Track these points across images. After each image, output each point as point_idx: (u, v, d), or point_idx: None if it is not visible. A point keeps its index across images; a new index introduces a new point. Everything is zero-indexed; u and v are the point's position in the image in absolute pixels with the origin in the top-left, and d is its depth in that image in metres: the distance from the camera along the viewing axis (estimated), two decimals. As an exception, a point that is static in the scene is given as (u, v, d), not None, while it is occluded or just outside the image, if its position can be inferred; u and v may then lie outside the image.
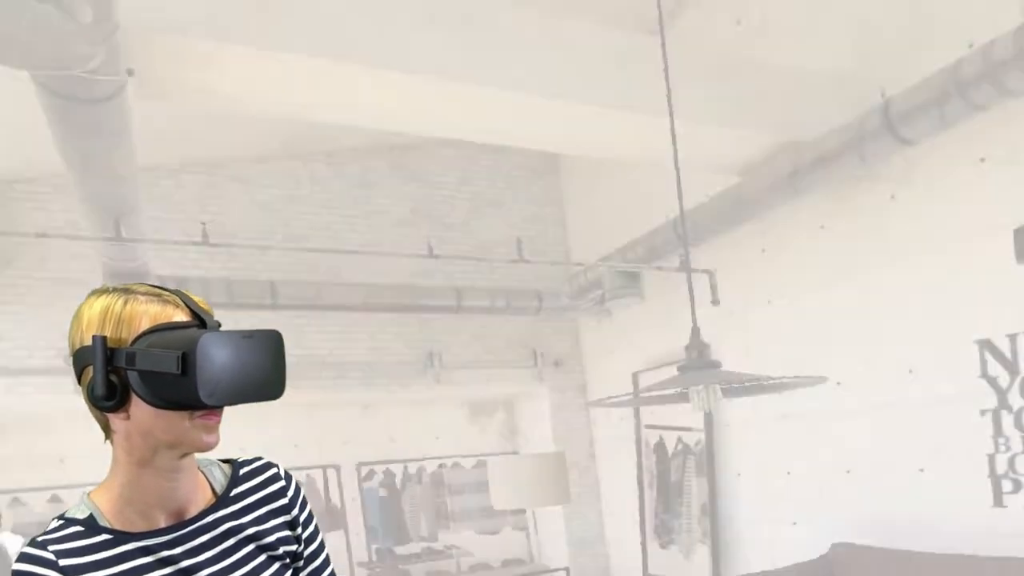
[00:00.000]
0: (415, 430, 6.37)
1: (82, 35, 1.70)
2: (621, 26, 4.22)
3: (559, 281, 5.82)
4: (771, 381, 2.19)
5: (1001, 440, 2.97)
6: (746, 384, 2.29)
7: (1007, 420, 2.94)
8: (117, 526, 0.88)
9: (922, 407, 3.28)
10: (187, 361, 0.81)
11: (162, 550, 0.88)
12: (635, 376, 5.38)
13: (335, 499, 5.84)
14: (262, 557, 0.95)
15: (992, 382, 2.97)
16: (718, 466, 4.74)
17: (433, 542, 6.20)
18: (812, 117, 3.12)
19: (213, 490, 0.96)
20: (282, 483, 1.00)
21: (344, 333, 5.28)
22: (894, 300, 3.36)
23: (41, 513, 4.98)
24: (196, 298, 0.91)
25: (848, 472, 3.77)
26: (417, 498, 6.15)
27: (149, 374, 0.83)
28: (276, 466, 1.02)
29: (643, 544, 5.57)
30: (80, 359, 0.87)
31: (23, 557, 0.84)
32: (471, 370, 5.63)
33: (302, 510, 1.01)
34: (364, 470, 6.01)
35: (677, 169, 2.27)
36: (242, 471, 0.99)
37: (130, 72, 2.33)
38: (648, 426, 5.37)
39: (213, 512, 0.93)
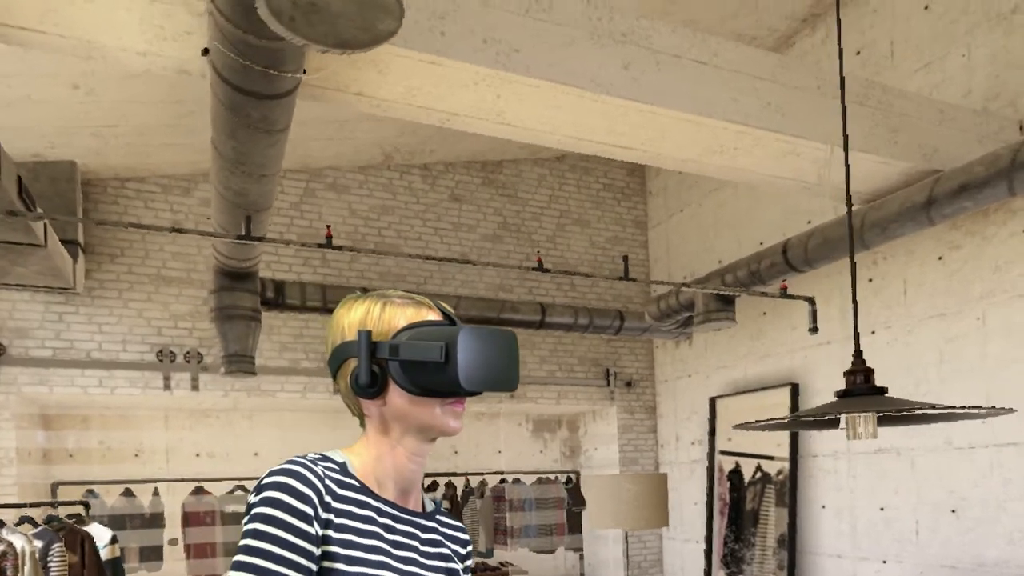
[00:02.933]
0: (479, 444, 6.27)
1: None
2: (758, 44, 4.18)
3: (639, 303, 5.72)
4: (945, 411, 2.05)
5: None
6: (917, 412, 2.15)
7: None
8: (363, 482, 0.96)
9: (1050, 448, 3.11)
10: (449, 351, 0.89)
11: (388, 518, 0.96)
12: (713, 401, 5.24)
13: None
14: None
15: None
16: (801, 497, 4.57)
17: (488, 558, 6.06)
18: (951, 148, 3.01)
19: (423, 505, 1.05)
20: (467, 538, 1.11)
21: (425, 343, 5.21)
22: (1018, 336, 3.21)
23: (112, 507, 4.95)
24: (442, 303, 1.01)
25: (953, 512, 3.59)
26: (477, 512, 6.02)
27: (411, 364, 0.91)
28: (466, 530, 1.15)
29: (707, 571, 5.38)
30: (341, 354, 0.96)
31: (296, 463, 0.89)
32: (544, 386, 5.53)
33: (467, 569, 1.10)
34: (427, 481, 5.91)
35: (848, 196, 2.17)
36: (442, 509, 1.10)
37: (304, 71, 2.31)
38: (724, 452, 5.21)
39: (424, 519, 1.02)
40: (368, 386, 0.92)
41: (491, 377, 0.92)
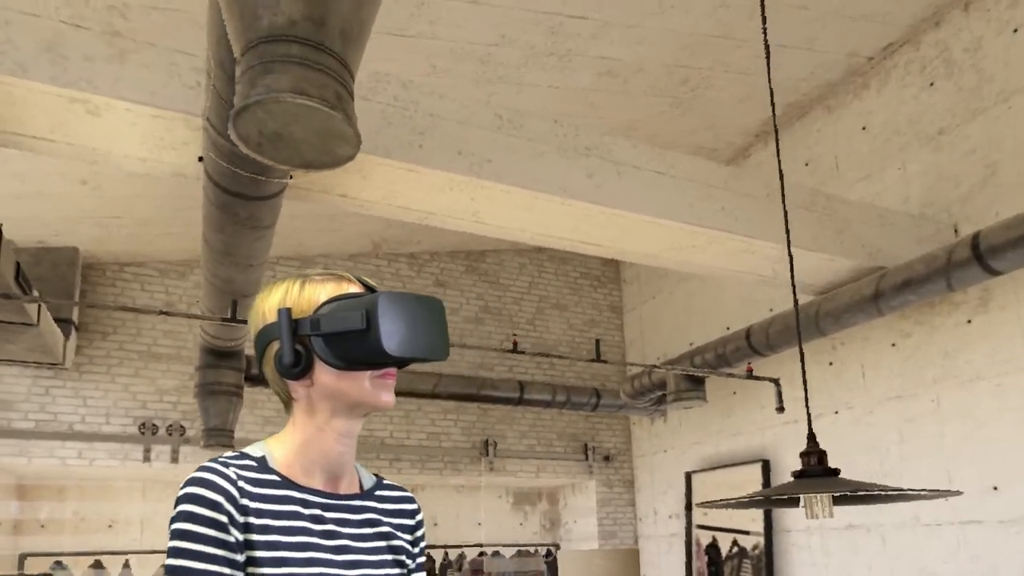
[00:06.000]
0: (459, 515, 6.17)
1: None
2: (711, 158, 4.47)
3: (616, 381, 5.79)
4: (899, 492, 2.08)
5: (1095, 572, 2.82)
6: (872, 493, 2.18)
7: (1100, 552, 2.80)
8: (284, 475, 0.90)
9: (1010, 525, 3.14)
10: (370, 316, 0.84)
11: (316, 508, 0.89)
12: (688, 476, 5.23)
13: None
14: (388, 556, 0.96)
15: (1082, 511, 2.86)
16: (777, 571, 4.51)
17: (466, 633, 5.86)
18: (893, 247, 3.18)
19: (360, 484, 0.98)
20: (415, 507, 1.03)
21: (407, 418, 5.23)
22: (973, 418, 3.29)
23: None
24: (364, 277, 0.96)
25: (923, 589, 3.57)
26: (456, 586, 5.86)
27: (334, 336, 0.86)
28: (412, 494, 1.06)
29: (686, 650, 5.23)
30: (264, 337, 0.91)
31: (206, 468, 0.84)
32: (524, 460, 5.51)
33: (422, 538, 1.04)
34: (406, 555, 5.77)
35: (793, 284, 2.29)
36: (385, 481, 1.03)
37: (291, 176, 2.45)
38: (701, 526, 5.16)
39: (360, 499, 0.95)
40: (292, 366, 0.87)
41: (417, 343, 0.87)
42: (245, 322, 3.20)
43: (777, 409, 4.15)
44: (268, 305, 0.91)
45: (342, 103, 1.36)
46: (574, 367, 5.64)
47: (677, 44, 3.54)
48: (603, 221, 2.86)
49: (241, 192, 2.37)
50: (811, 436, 2.23)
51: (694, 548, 5.20)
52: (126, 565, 4.88)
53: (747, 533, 4.72)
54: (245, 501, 0.83)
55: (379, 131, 2.45)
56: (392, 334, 0.84)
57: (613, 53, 3.53)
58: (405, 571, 0.98)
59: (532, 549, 6.10)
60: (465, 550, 5.97)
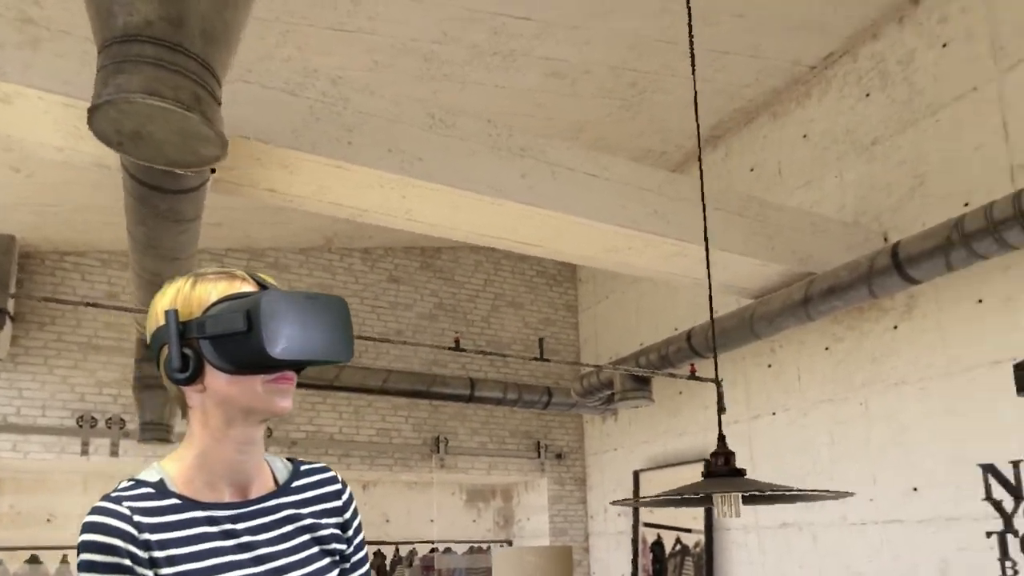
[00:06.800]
0: (411, 512, 6.16)
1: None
2: (651, 164, 4.51)
3: (569, 380, 5.82)
4: (798, 493, 2.15)
5: (1008, 564, 2.91)
6: (772, 494, 2.24)
7: (1013, 544, 2.90)
8: (185, 494, 0.86)
9: (928, 525, 3.23)
10: (252, 317, 0.80)
11: (226, 523, 0.86)
12: (636, 474, 5.29)
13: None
14: (315, 548, 0.92)
15: (997, 506, 2.95)
16: (717, 569, 4.59)
17: (417, 629, 5.86)
18: (824, 254, 3.25)
19: (275, 479, 0.94)
20: (338, 486, 0.98)
21: (356, 414, 5.20)
22: (897, 421, 3.38)
23: (15, 575, 4.71)
24: (264, 275, 0.92)
25: (851, 586, 3.66)
26: (406, 582, 5.86)
27: (220, 339, 0.83)
28: (334, 472, 1.01)
29: (633, 646, 5.29)
30: (157, 341, 0.87)
31: (98, 510, 0.81)
32: (475, 457, 5.52)
33: (354, 516, 0.99)
34: (358, 551, 5.75)
35: (710, 289, 2.33)
36: (303, 468, 0.98)
37: (213, 171, 2.41)
38: (647, 524, 5.22)
39: (275, 498, 0.91)
40: (180, 370, 0.83)
41: (307, 345, 0.82)
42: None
43: (719, 410, 4.20)
44: (160, 306, 0.88)
45: (200, 104, 1.35)
46: (528, 365, 5.66)
47: (623, 45, 3.56)
48: (538, 222, 2.87)
49: (159, 185, 2.33)
50: (721, 438, 2.28)
51: (640, 546, 5.26)
52: (64, 560, 4.78)
53: (689, 531, 4.79)
54: (145, 535, 0.80)
55: (306, 126, 2.43)
56: (276, 336, 0.80)
57: (558, 54, 3.54)
58: (338, 558, 0.94)
59: (484, 546, 6.12)
60: (416, 547, 5.97)
